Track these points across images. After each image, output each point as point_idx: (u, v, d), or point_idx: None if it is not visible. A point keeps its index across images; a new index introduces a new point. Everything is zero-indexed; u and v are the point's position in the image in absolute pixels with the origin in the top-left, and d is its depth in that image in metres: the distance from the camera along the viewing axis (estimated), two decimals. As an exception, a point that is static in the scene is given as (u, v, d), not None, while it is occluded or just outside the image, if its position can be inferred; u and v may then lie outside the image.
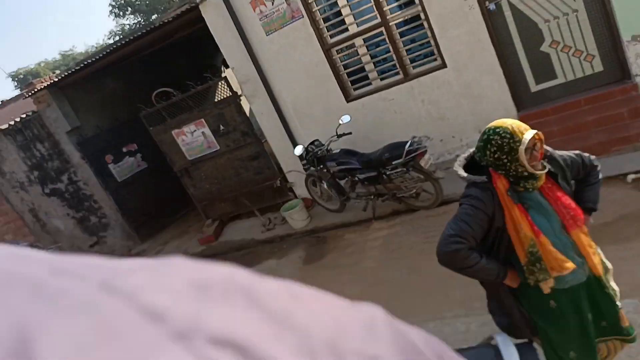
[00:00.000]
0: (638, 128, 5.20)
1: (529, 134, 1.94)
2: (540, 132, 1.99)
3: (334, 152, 6.40)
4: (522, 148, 1.93)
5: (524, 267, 2.07)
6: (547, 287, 2.07)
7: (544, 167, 2.03)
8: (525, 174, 1.99)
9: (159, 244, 8.70)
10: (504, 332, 2.24)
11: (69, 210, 9.07)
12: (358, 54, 6.58)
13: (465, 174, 2.14)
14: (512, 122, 1.99)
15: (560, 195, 2.05)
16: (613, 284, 2.22)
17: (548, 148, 2.14)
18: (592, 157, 2.27)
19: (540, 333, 2.26)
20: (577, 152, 2.25)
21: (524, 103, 5.99)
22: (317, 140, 6.63)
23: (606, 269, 2.21)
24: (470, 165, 2.22)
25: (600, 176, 2.28)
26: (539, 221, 2.01)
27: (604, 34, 5.49)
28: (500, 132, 1.97)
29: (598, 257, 2.15)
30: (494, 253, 2.15)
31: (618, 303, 2.18)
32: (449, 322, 3.97)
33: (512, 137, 1.94)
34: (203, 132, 7.64)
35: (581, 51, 5.63)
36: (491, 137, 2.00)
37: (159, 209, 9.35)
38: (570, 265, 2.00)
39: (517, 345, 2.03)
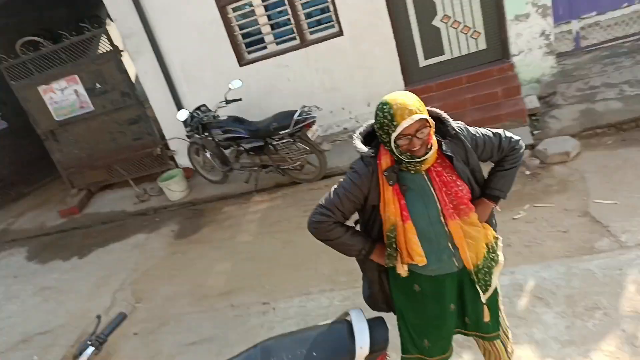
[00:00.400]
0: (508, 107, 5.29)
1: (408, 121, 1.71)
2: (429, 119, 1.77)
3: (221, 119, 5.90)
4: (394, 135, 1.75)
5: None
6: (402, 270, 2.00)
7: (427, 152, 1.81)
8: (407, 157, 1.80)
9: (12, 215, 7.65)
10: (365, 303, 2.25)
11: None
12: (255, 15, 6.10)
13: (358, 144, 1.95)
14: (401, 101, 1.74)
15: (448, 181, 1.88)
16: (494, 279, 2.08)
17: (458, 124, 1.94)
18: (516, 138, 2.05)
19: (397, 313, 2.22)
20: (498, 131, 2.04)
21: (412, 77, 5.93)
22: (204, 105, 6.10)
23: (494, 262, 2.08)
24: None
25: (521, 160, 2.07)
26: (415, 206, 1.89)
27: (491, 12, 5.52)
28: (385, 110, 1.76)
29: (481, 249, 2.00)
30: (368, 228, 2.05)
31: (484, 299, 2.07)
32: (314, 298, 3.79)
33: (391, 120, 1.74)
34: (76, 90, 6.80)
35: (469, 27, 5.64)
36: (378, 111, 1.80)
37: (16, 176, 8.26)
38: (420, 260, 1.92)
39: (369, 321, 2.02)
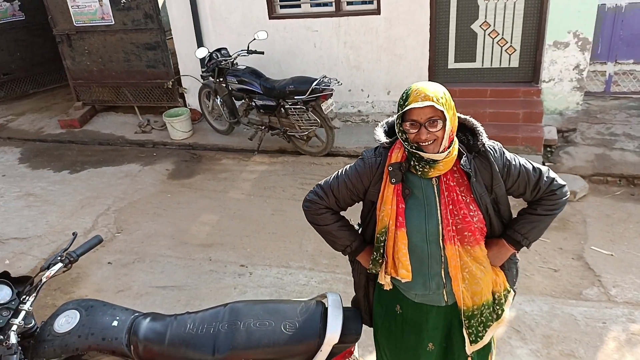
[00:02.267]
0: (526, 132, 5.24)
1: (417, 103, 1.55)
2: (446, 113, 1.57)
3: (238, 67, 5.79)
4: (399, 113, 1.61)
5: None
6: (384, 281, 1.83)
7: (439, 153, 1.62)
8: (412, 148, 1.63)
9: (13, 113, 7.53)
10: (338, 294, 2.01)
11: None
12: (296, -31, 5.91)
13: (378, 132, 1.81)
14: (423, 87, 1.59)
15: (459, 200, 1.66)
16: (489, 334, 1.81)
17: (493, 144, 1.73)
18: (560, 182, 1.75)
19: (374, 329, 2.07)
20: (541, 167, 1.76)
21: (437, 77, 5.82)
22: (224, 49, 5.95)
23: (495, 315, 1.81)
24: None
25: (559, 209, 1.76)
26: (413, 215, 1.70)
27: (532, 31, 5.41)
28: (405, 92, 1.63)
29: (480, 292, 1.74)
30: (364, 226, 1.91)
31: (468, 351, 1.83)
32: (292, 273, 3.83)
33: (405, 100, 1.59)
34: (100, -1, 6.57)
35: (506, 41, 5.54)
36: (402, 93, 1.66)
37: (24, 73, 8.06)
38: (405, 275, 1.72)
39: (346, 310, 1.91)
